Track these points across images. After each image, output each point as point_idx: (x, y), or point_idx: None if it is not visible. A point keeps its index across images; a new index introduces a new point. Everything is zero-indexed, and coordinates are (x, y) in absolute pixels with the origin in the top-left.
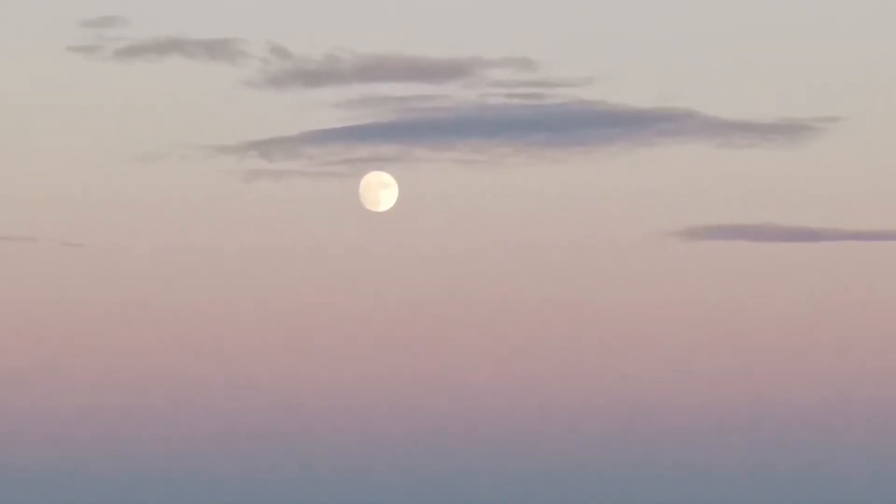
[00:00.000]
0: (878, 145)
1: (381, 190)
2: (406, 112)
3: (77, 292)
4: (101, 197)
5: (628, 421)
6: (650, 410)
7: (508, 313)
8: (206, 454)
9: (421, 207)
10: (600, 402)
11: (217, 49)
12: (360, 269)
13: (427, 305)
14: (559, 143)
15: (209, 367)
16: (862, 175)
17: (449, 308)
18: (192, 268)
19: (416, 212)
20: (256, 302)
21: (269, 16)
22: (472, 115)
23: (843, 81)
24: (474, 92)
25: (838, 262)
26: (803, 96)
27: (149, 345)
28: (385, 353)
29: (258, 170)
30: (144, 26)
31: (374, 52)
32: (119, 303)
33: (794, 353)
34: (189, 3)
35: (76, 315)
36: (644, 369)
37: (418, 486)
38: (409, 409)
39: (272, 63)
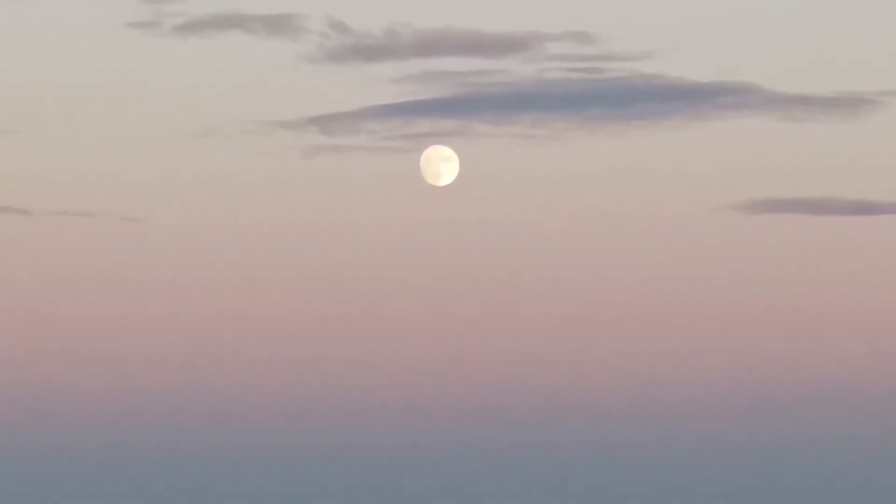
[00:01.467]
0: None
1: (441, 164)
2: (465, 87)
3: (135, 267)
4: (161, 172)
5: (690, 393)
6: (714, 383)
7: (569, 287)
8: (264, 426)
9: (481, 182)
10: (663, 374)
11: (276, 24)
12: (421, 243)
13: (488, 279)
14: (619, 117)
15: (269, 342)
16: None
17: (510, 281)
18: (252, 243)
19: (477, 186)
20: (317, 277)
21: None
22: (531, 89)
23: None
24: (533, 66)
25: None
26: (863, 70)
27: (207, 320)
28: (447, 327)
29: (318, 145)
30: (203, 2)
31: (433, 27)
32: (178, 278)
33: (857, 327)
34: None
35: (134, 290)
36: (705, 342)
37: (460, 468)
38: (475, 381)
39: (331, 38)
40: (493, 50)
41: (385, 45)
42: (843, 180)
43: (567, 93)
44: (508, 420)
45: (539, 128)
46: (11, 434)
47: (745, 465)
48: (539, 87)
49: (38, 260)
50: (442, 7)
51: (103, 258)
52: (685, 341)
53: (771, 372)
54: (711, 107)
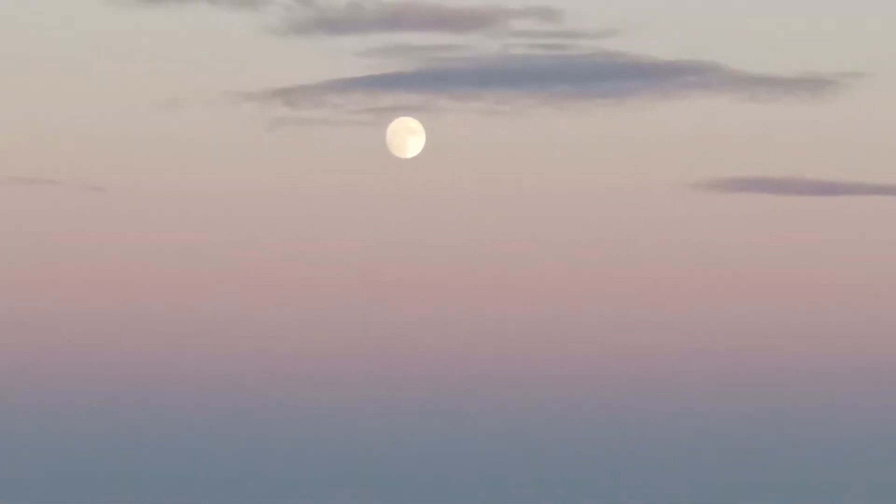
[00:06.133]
0: None
1: (408, 136)
2: (429, 61)
3: (99, 236)
4: (125, 142)
5: (645, 371)
6: (670, 360)
7: (530, 263)
8: (225, 395)
9: (444, 157)
10: (620, 351)
11: None
12: (383, 217)
13: (451, 252)
14: (582, 94)
15: (230, 313)
16: (885, 130)
17: (472, 255)
18: (214, 214)
19: (440, 161)
20: (280, 249)
21: None
22: (496, 65)
23: (868, 37)
24: (497, 42)
25: (861, 215)
26: (827, 51)
27: (168, 289)
28: (408, 299)
29: (282, 117)
30: None
31: (397, 1)
32: (140, 247)
33: (817, 306)
34: None
35: (98, 258)
36: (664, 319)
37: (436, 435)
38: (431, 355)
39: (295, 10)
40: (458, 25)
41: (349, 19)
42: (806, 161)
43: (531, 69)
44: (451, 388)
45: (503, 104)
46: None
47: (707, 436)
48: (503, 63)
49: (2, 227)
50: None
51: (68, 225)
52: (644, 315)
53: (729, 347)
54: (675, 85)
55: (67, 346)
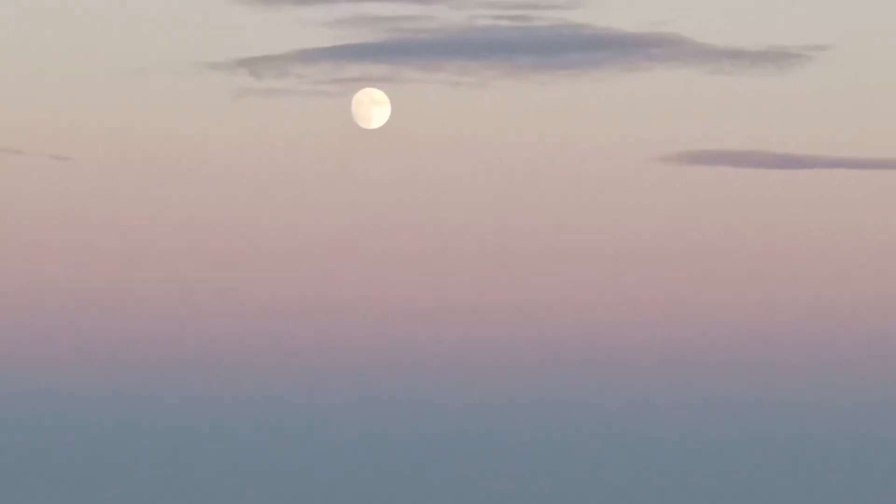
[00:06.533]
0: (865, 74)
1: (372, 107)
2: (395, 32)
3: (63, 205)
4: (90, 111)
5: (606, 338)
6: (632, 331)
7: (493, 232)
8: (186, 363)
9: (409, 127)
10: (582, 322)
11: None
12: (348, 186)
13: (415, 222)
14: (547, 66)
15: (194, 281)
16: (848, 103)
17: (435, 225)
18: (179, 183)
19: (405, 132)
20: (244, 217)
21: None
22: (460, 36)
23: (832, 10)
24: (462, 13)
25: (824, 188)
26: (792, 24)
27: (132, 257)
28: (371, 267)
29: (247, 87)
30: None
31: None
32: (105, 216)
33: (780, 278)
34: None
35: (61, 227)
36: (628, 290)
37: (402, 415)
38: (396, 324)
39: None
40: None
41: None
42: (771, 134)
43: (496, 41)
44: (406, 359)
45: (468, 75)
46: None
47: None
48: (468, 35)
49: None
50: None
51: (31, 195)
52: (607, 286)
53: (693, 317)
54: (640, 58)
55: (32, 315)
